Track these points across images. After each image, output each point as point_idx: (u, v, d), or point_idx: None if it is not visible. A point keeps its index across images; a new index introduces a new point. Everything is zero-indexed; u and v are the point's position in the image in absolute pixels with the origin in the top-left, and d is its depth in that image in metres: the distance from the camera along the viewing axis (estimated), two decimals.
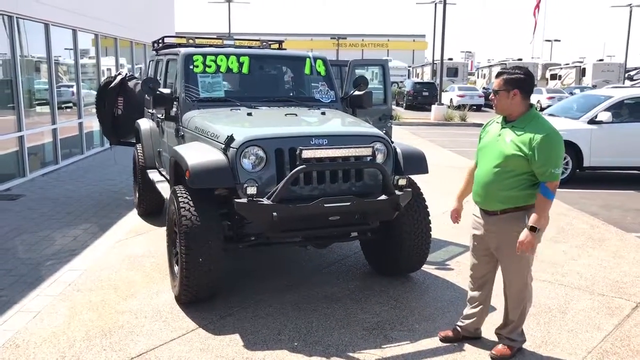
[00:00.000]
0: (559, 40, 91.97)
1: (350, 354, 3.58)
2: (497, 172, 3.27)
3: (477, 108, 28.65)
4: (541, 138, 3.14)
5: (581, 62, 39.42)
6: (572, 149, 9.56)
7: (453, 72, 41.45)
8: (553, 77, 38.41)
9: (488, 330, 3.83)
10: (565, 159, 9.54)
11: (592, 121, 9.59)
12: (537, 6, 31.19)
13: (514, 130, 3.26)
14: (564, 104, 11.68)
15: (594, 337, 3.86)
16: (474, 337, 3.76)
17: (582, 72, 35.65)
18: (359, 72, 6.29)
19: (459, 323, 3.77)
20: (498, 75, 3.34)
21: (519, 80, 3.25)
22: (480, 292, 3.65)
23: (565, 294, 4.61)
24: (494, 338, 3.69)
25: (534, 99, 25.52)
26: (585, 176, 10.35)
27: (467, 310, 3.73)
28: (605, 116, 9.53)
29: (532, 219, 3.20)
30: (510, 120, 3.32)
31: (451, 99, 29.42)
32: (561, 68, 38.83)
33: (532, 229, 3.18)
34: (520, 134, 3.22)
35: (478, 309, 3.67)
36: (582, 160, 9.56)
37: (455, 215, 3.69)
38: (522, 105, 3.27)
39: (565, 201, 8.07)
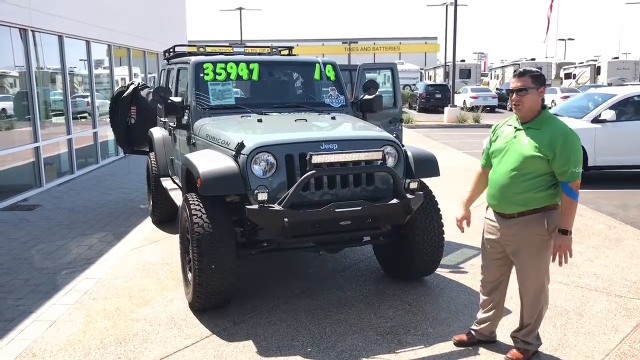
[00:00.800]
0: (573, 39, 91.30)
1: (364, 359, 3.57)
2: (515, 175, 3.22)
3: (491, 109, 28.48)
4: (562, 138, 3.12)
5: (596, 60, 38.98)
6: None
7: (466, 73, 41.27)
8: (567, 76, 38.05)
9: (503, 334, 3.80)
10: None
11: (595, 120, 9.50)
12: (551, 6, 30.98)
13: (531, 132, 3.23)
14: (568, 103, 11.58)
15: (611, 340, 3.80)
16: (489, 341, 3.72)
17: (597, 71, 35.27)
18: (368, 76, 6.28)
19: (474, 327, 3.74)
20: (523, 73, 3.24)
21: (543, 78, 3.28)
22: (493, 296, 3.62)
23: (581, 296, 4.55)
24: (509, 341, 3.65)
25: (548, 98, 25.36)
26: (601, 175, 10.23)
27: (481, 315, 3.70)
28: (609, 115, 9.43)
29: (562, 221, 3.18)
30: (525, 121, 3.27)
31: (464, 101, 29.26)
32: (575, 67, 38.45)
33: (564, 232, 3.16)
34: (538, 134, 3.19)
35: (492, 312, 3.64)
36: (586, 160, 9.47)
37: (464, 223, 3.65)
38: (540, 105, 3.26)
39: (581, 201, 7.91)
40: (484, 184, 3.57)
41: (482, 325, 3.69)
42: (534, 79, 3.21)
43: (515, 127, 3.32)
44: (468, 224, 3.66)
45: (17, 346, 3.82)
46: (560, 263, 3.23)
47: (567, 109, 10.93)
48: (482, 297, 3.68)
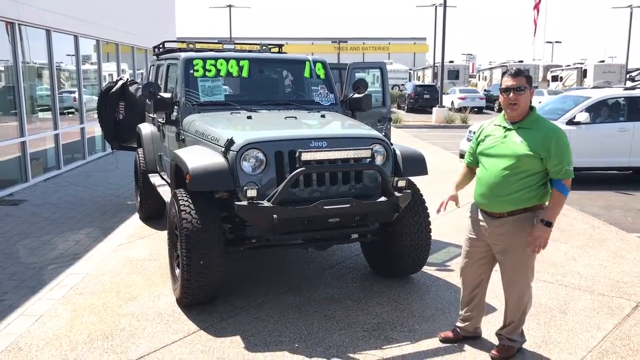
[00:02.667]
0: (560, 42, 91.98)
1: (351, 355, 3.60)
2: (508, 174, 3.25)
3: (479, 110, 28.66)
4: (555, 137, 3.19)
5: (582, 63, 39.35)
6: None
7: (454, 74, 41.47)
8: (554, 78, 38.38)
9: (488, 331, 3.85)
10: None
11: (570, 122, 9.64)
12: (537, 7, 31.24)
13: (522, 131, 3.26)
14: (543, 106, 11.74)
15: (594, 337, 3.87)
16: (474, 337, 3.77)
17: (583, 74, 35.61)
18: (358, 75, 6.31)
19: (458, 324, 3.79)
20: (519, 73, 3.26)
21: (532, 79, 3.33)
22: (474, 295, 3.65)
23: (565, 294, 4.62)
24: (495, 338, 3.70)
25: (535, 100, 25.59)
26: (586, 177, 10.36)
27: (464, 313, 3.74)
28: (583, 117, 9.58)
29: (548, 214, 3.23)
30: (515, 121, 3.31)
31: (452, 102, 29.42)
32: (562, 69, 38.78)
33: (548, 225, 3.20)
34: (531, 134, 3.23)
35: (474, 310, 3.69)
36: None
37: (452, 201, 3.61)
38: (529, 106, 3.32)
39: (566, 202, 8.05)
40: (469, 178, 3.63)
41: (467, 323, 3.73)
42: (528, 79, 3.27)
43: (504, 127, 3.35)
44: (456, 203, 3.64)
45: (3, 340, 3.80)
46: (534, 251, 3.27)
47: (543, 110, 11.07)
48: (464, 296, 3.71)
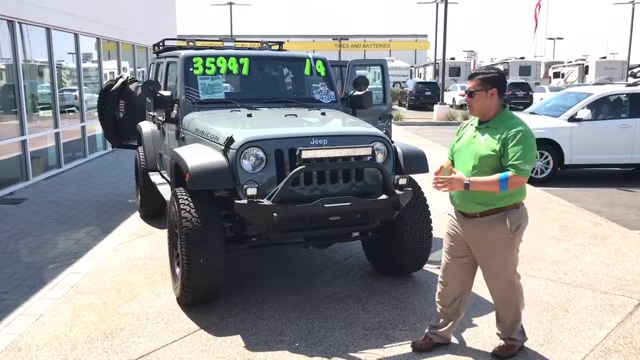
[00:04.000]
0: (562, 38, 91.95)
1: (352, 354, 3.58)
2: (474, 174, 3.21)
3: None
4: (512, 134, 3.13)
5: (584, 59, 39.23)
6: (553, 147, 9.60)
7: (455, 71, 41.38)
8: (556, 75, 38.32)
9: (490, 329, 3.83)
10: (546, 157, 9.61)
11: (572, 119, 9.64)
12: (538, 4, 31.18)
13: (488, 131, 3.24)
14: (545, 102, 11.72)
15: (596, 335, 3.85)
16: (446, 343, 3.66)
17: (585, 70, 35.55)
18: (358, 72, 6.29)
19: (430, 331, 3.66)
20: (472, 76, 3.29)
21: (496, 79, 3.25)
22: (455, 305, 3.55)
23: (567, 292, 4.60)
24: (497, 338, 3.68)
25: (537, 97, 25.53)
26: (588, 174, 10.34)
27: (441, 321, 3.62)
28: (585, 114, 9.57)
29: (474, 180, 3.13)
30: (484, 120, 3.29)
31: (454, 99, 29.39)
32: (564, 66, 38.71)
33: (466, 185, 3.13)
34: (494, 133, 3.20)
35: (452, 320, 3.60)
36: (562, 158, 9.59)
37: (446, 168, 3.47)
38: (498, 105, 3.27)
39: (568, 199, 8.05)
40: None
41: (442, 329, 3.62)
42: (483, 81, 3.22)
43: (475, 127, 3.34)
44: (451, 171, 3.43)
45: (2, 340, 3.79)
46: (435, 185, 3.21)
47: (545, 107, 11.05)
48: (443, 306, 3.58)
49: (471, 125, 3.42)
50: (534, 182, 9.37)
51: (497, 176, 3.12)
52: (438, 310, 3.64)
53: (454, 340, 3.74)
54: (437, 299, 3.64)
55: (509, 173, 3.10)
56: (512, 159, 3.11)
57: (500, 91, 3.25)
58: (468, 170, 3.25)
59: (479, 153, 3.21)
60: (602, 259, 5.42)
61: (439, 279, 3.61)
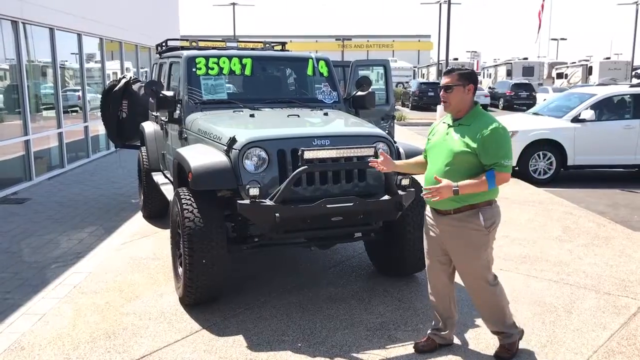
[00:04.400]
0: (565, 39, 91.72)
1: (354, 355, 3.58)
2: (448, 171, 3.21)
3: (483, 108, 28.37)
4: (488, 132, 3.15)
5: (588, 60, 39.17)
6: (556, 147, 9.58)
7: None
8: (559, 75, 38.26)
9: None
10: (549, 158, 9.58)
11: (575, 119, 9.61)
12: (542, 6, 31.16)
13: (461, 128, 3.25)
14: (548, 103, 11.68)
15: (599, 336, 3.83)
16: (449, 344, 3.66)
17: (588, 71, 35.49)
18: (361, 72, 6.29)
19: (432, 332, 3.65)
20: (449, 72, 3.29)
21: (472, 76, 3.30)
22: (443, 301, 3.56)
23: (570, 293, 4.58)
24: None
25: (540, 98, 25.48)
26: (591, 175, 10.32)
27: (441, 325, 3.62)
28: (589, 114, 9.54)
29: (462, 185, 3.12)
30: (457, 117, 3.30)
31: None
32: (567, 67, 38.64)
33: (455, 191, 3.11)
34: (467, 130, 3.22)
35: (448, 322, 3.60)
36: (566, 159, 9.56)
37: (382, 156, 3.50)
38: (471, 102, 3.30)
39: (571, 200, 8.02)
40: (420, 168, 3.56)
41: (444, 332, 3.62)
42: (461, 76, 3.25)
43: (448, 124, 3.35)
44: (384, 163, 3.48)
45: (5, 339, 3.80)
46: (425, 197, 3.21)
47: (547, 108, 11.02)
48: (438, 309, 3.59)
49: (443, 123, 3.42)
50: (536, 183, 9.36)
51: (482, 176, 3.15)
52: (435, 313, 3.64)
53: (456, 341, 3.73)
54: (430, 300, 3.65)
55: (494, 171, 3.14)
56: (493, 157, 3.15)
57: (475, 88, 3.30)
58: (440, 168, 3.25)
59: (453, 150, 3.21)
60: (605, 260, 5.41)
61: (428, 281, 3.63)
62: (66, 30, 10.68)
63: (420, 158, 3.63)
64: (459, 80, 3.24)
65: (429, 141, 3.46)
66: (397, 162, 3.65)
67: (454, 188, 3.12)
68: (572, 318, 4.12)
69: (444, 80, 3.28)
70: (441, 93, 3.29)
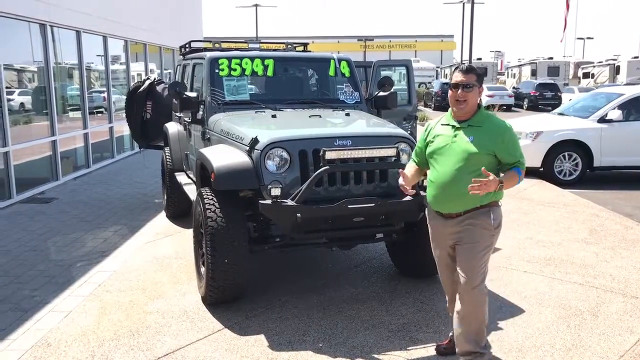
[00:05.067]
0: (592, 38, 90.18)
1: (375, 356, 3.57)
2: (460, 173, 3.11)
3: (507, 108, 28.25)
4: (507, 133, 3.16)
5: (615, 59, 38.39)
6: (582, 148, 9.40)
7: (482, 72, 40.95)
8: (586, 75, 37.58)
9: (516, 333, 3.76)
10: (575, 159, 9.41)
11: (602, 120, 9.43)
12: (567, 3, 30.68)
13: (472, 129, 3.17)
14: (574, 103, 11.48)
15: (626, 341, 3.76)
16: None
17: (616, 70, 34.77)
18: (383, 73, 6.27)
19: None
20: (469, 70, 3.18)
21: (483, 78, 3.27)
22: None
23: (596, 297, 4.50)
24: (527, 340, 3.62)
25: (565, 98, 25.09)
26: (619, 176, 10.11)
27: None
28: (616, 114, 9.34)
29: (506, 180, 3.08)
30: (464, 119, 3.21)
31: (480, 99, 29.02)
32: (594, 66, 37.94)
33: (501, 184, 3.03)
34: (482, 132, 3.15)
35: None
36: (592, 160, 9.38)
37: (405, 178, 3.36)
38: (477, 104, 3.26)
39: (597, 202, 7.88)
40: (418, 177, 3.53)
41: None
42: (478, 77, 3.19)
43: (453, 126, 3.23)
44: (408, 183, 3.36)
45: (32, 336, 3.88)
46: (472, 189, 2.98)
47: (574, 108, 10.84)
48: (450, 313, 3.48)
49: (443, 125, 3.29)
50: (562, 184, 9.22)
51: (515, 174, 3.14)
52: (451, 316, 3.50)
53: None
54: (447, 308, 3.59)
55: (520, 168, 3.17)
56: (515, 157, 3.16)
57: (482, 90, 3.30)
58: (451, 170, 3.15)
59: (469, 151, 3.11)
60: (632, 263, 5.29)
61: (444, 290, 3.57)
62: (92, 32, 10.87)
63: (413, 165, 3.51)
64: (477, 80, 3.18)
65: (431, 144, 3.30)
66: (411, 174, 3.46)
67: (500, 183, 3.05)
68: (598, 322, 4.04)
69: (463, 79, 3.14)
70: (459, 92, 3.15)
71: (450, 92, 3.21)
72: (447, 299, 3.58)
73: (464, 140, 3.17)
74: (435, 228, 3.38)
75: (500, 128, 3.18)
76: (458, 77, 3.17)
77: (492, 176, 3.02)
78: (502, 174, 3.16)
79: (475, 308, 3.22)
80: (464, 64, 3.27)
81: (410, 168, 3.52)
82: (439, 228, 3.34)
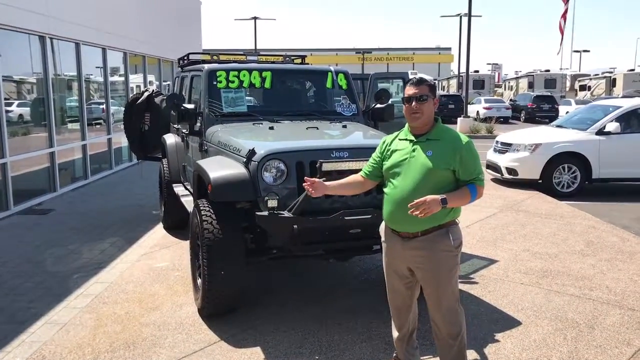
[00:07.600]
0: (588, 51, 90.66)
1: None
2: (418, 190, 2.96)
3: (504, 120, 28.36)
4: (465, 148, 3.00)
5: (611, 72, 38.61)
6: (580, 160, 9.43)
7: (479, 84, 41.14)
8: (582, 88, 37.77)
9: (512, 346, 3.75)
10: (573, 171, 9.44)
11: (600, 132, 9.48)
12: (564, 16, 30.89)
13: (430, 143, 3.04)
14: (571, 115, 11.54)
15: (623, 353, 3.75)
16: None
17: (612, 83, 34.96)
18: (380, 85, 6.30)
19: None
20: (419, 82, 3.10)
21: (435, 88, 3.18)
22: (407, 321, 3.40)
23: (593, 309, 4.50)
24: (522, 356, 3.61)
25: (563, 110, 25.19)
26: (616, 188, 10.14)
27: (408, 347, 3.46)
28: (614, 127, 9.40)
29: (450, 197, 2.91)
30: (421, 133, 3.10)
31: (477, 112, 29.18)
32: (590, 79, 38.15)
33: (444, 201, 2.88)
34: (440, 145, 3.03)
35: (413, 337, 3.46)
36: (590, 172, 9.42)
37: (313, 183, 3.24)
38: (434, 116, 3.15)
39: (594, 214, 7.89)
40: (357, 188, 3.37)
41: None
42: (431, 88, 3.10)
43: (411, 141, 3.11)
44: (313, 187, 3.24)
45: (27, 348, 3.86)
46: (411, 209, 2.86)
47: (571, 121, 10.89)
48: (398, 326, 3.42)
49: (400, 140, 3.18)
50: (560, 196, 9.23)
51: (467, 192, 2.99)
52: (405, 339, 3.42)
53: (475, 355, 3.69)
54: (394, 336, 3.43)
55: (476, 185, 3.01)
56: (472, 173, 3.01)
57: (437, 102, 3.17)
58: (409, 187, 3.00)
59: (428, 166, 2.98)
60: (629, 275, 5.30)
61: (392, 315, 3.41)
62: (91, 44, 10.92)
63: (357, 177, 3.35)
64: (430, 91, 3.08)
65: (386, 160, 3.16)
66: (328, 183, 3.32)
67: (441, 198, 2.88)
68: (595, 334, 4.04)
69: (416, 91, 3.03)
70: (412, 104, 3.03)
71: (404, 106, 3.10)
72: (394, 333, 3.43)
73: (423, 156, 3.02)
74: (391, 248, 3.17)
75: (459, 141, 3.03)
76: (410, 90, 3.07)
77: (428, 196, 2.87)
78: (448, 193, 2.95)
79: (458, 325, 3.14)
80: (414, 77, 3.14)
81: (355, 177, 3.37)
82: (395, 248, 3.13)
